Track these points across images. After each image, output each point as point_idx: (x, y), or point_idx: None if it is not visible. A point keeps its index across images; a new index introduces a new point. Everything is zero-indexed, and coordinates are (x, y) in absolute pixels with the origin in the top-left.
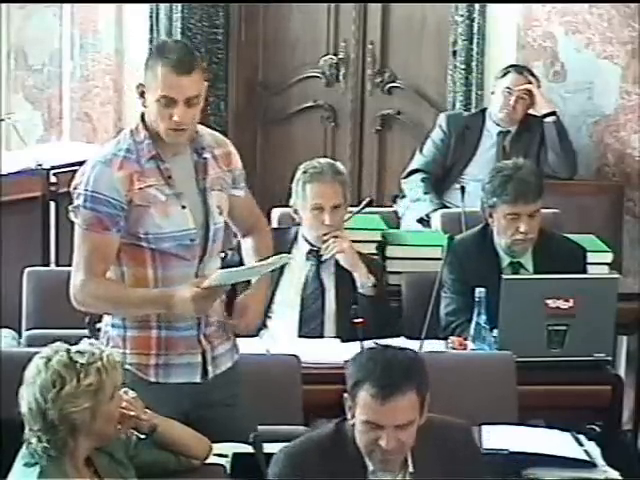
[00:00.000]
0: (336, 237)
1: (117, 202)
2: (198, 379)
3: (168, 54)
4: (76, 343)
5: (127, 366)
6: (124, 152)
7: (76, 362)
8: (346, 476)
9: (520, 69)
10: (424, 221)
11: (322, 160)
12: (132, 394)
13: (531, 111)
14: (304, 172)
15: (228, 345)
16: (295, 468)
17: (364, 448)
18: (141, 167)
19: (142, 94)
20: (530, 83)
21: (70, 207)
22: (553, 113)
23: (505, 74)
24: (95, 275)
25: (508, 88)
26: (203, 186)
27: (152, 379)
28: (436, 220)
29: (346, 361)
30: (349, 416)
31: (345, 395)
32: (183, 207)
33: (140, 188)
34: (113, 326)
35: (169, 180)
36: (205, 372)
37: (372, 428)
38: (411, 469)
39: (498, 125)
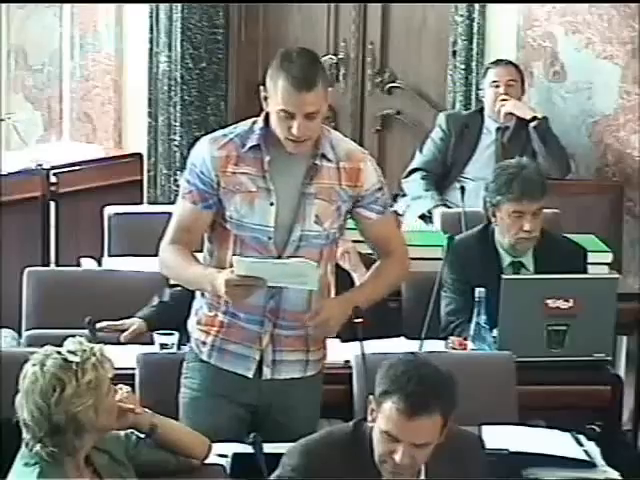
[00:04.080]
0: None
1: (206, 179)
2: (250, 375)
3: (290, 67)
4: (61, 345)
5: (192, 341)
6: (233, 135)
7: (71, 362)
8: (360, 476)
9: (499, 61)
10: (426, 217)
11: None
12: (126, 389)
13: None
14: None
15: (301, 356)
16: (310, 464)
17: (378, 457)
18: (241, 153)
19: (265, 98)
20: (516, 68)
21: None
22: (534, 118)
23: (488, 69)
24: (174, 242)
25: (494, 81)
26: (304, 191)
27: (204, 357)
28: (437, 218)
29: (352, 358)
30: (369, 418)
31: (370, 397)
32: (271, 204)
33: (233, 172)
34: (197, 300)
35: (265, 173)
36: (260, 371)
37: (390, 440)
38: (423, 476)
39: (496, 121)
